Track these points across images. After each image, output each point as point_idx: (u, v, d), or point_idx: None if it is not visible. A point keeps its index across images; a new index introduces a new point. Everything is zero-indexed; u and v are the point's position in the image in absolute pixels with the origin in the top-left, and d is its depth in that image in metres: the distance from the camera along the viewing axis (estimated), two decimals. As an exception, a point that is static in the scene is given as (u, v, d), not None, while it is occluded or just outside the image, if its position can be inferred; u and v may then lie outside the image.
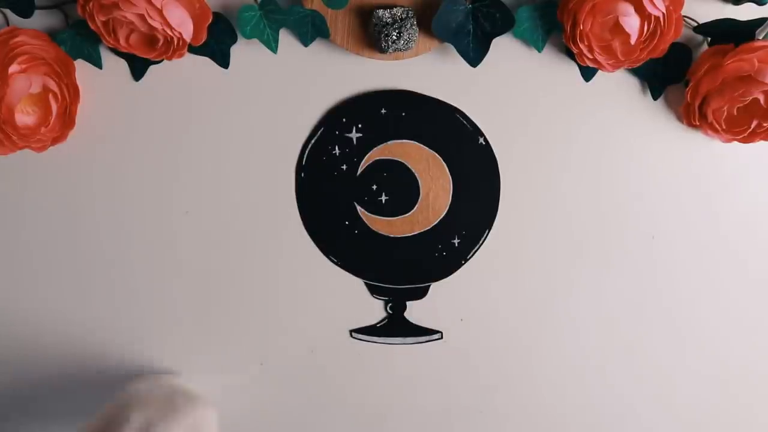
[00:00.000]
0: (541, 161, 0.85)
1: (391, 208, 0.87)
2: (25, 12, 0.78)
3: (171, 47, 0.75)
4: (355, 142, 0.85)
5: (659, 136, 0.84)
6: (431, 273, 0.90)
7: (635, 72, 0.82)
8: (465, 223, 0.87)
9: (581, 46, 0.75)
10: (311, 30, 0.79)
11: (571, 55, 0.79)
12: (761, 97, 0.75)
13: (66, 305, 0.92)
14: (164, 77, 0.83)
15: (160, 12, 0.72)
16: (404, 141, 0.85)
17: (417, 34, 0.78)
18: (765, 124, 0.77)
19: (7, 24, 0.80)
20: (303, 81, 0.83)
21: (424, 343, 0.92)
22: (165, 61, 0.80)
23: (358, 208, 0.87)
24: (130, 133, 0.85)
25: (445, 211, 0.87)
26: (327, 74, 0.83)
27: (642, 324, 0.91)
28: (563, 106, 0.83)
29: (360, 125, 0.84)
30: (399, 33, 0.77)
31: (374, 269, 0.90)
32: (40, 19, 0.80)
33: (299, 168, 0.86)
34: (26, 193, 0.87)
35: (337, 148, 0.85)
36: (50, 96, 0.78)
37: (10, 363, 0.95)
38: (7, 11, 0.79)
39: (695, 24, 0.78)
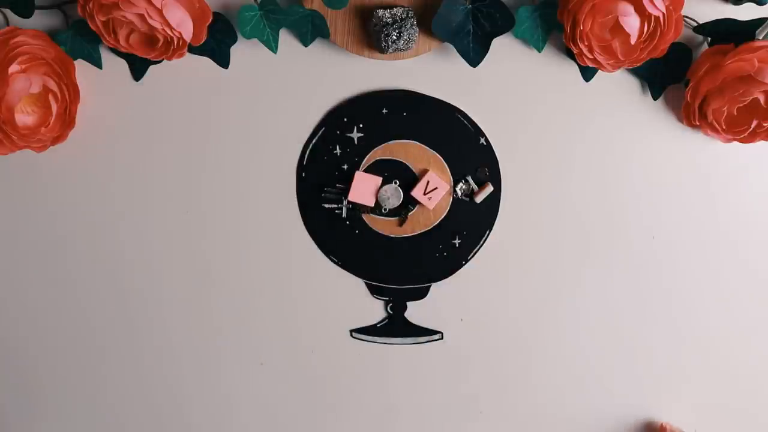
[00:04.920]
0: (541, 161, 0.85)
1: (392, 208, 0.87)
2: (25, 12, 0.78)
3: (171, 47, 0.75)
4: (356, 141, 0.85)
5: (659, 136, 0.84)
6: (431, 273, 0.90)
7: (635, 72, 0.82)
8: (465, 224, 0.87)
9: (581, 46, 0.75)
10: (311, 30, 0.79)
11: (571, 55, 0.79)
12: (761, 97, 0.76)
13: (65, 304, 0.92)
14: (164, 77, 0.83)
15: (160, 12, 0.72)
16: (405, 141, 0.85)
17: (417, 34, 0.78)
18: (765, 124, 0.77)
19: (7, 24, 0.80)
20: (303, 81, 0.83)
21: (424, 343, 0.92)
22: (165, 61, 0.80)
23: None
24: (130, 133, 0.85)
25: (446, 212, 0.87)
26: (327, 74, 0.83)
27: (643, 324, 0.91)
28: (563, 106, 0.83)
29: (361, 125, 0.84)
30: (399, 33, 0.77)
31: (374, 269, 0.90)
32: (40, 19, 0.80)
33: (300, 168, 0.86)
34: (26, 193, 0.87)
35: (338, 147, 0.85)
36: (50, 96, 0.78)
37: (9, 362, 0.94)
38: (7, 11, 0.79)
39: (695, 24, 0.78)
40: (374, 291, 0.91)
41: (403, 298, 0.91)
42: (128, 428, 0.97)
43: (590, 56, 0.76)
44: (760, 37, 0.77)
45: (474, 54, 0.79)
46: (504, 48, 0.81)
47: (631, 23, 0.73)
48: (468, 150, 0.85)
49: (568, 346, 0.92)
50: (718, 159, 0.85)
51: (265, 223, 0.88)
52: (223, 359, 0.94)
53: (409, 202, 0.86)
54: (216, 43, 0.80)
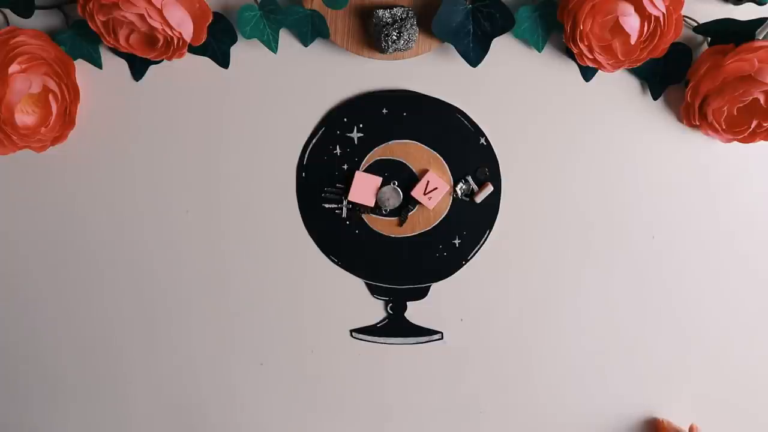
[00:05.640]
0: (541, 161, 0.86)
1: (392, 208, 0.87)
2: (25, 12, 0.78)
3: (171, 47, 0.75)
4: (356, 141, 0.85)
5: (659, 136, 0.84)
6: (431, 273, 0.90)
7: (635, 72, 0.82)
8: (465, 224, 0.87)
9: (581, 46, 0.75)
10: (311, 30, 0.79)
11: (571, 55, 0.79)
12: (761, 97, 0.76)
13: (66, 304, 0.92)
14: (164, 77, 0.83)
15: (160, 12, 0.72)
16: (405, 141, 0.85)
17: (417, 34, 0.78)
18: (765, 124, 0.77)
19: (7, 24, 0.80)
20: (303, 81, 0.83)
21: (424, 343, 0.92)
22: (165, 61, 0.80)
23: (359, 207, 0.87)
24: (130, 133, 0.85)
25: (446, 212, 0.87)
26: (327, 74, 0.83)
27: (643, 323, 0.91)
28: (563, 106, 0.83)
29: (361, 125, 0.84)
30: (399, 33, 0.77)
31: (374, 269, 0.90)
32: (40, 19, 0.80)
33: (300, 168, 0.86)
34: (26, 193, 0.87)
35: (338, 147, 0.85)
36: (50, 96, 0.78)
37: (9, 361, 0.95)
38: (7, 11, 0.79)
39: (695, 24, 0.78)
40: (374, 291, 0.91)
41: (403, 298, 0.91)
42: (129, 426, 0.97)
43: (590, 56, 0.76)
44: (760, 37, 0.77)
45: (474, 54, 0.79)
46: (504, 48, 0.81)
47: (631, 23, 0.73)
48: (468, 150, 0.85)
49: (568, 345, 0.92)
50: (718, 159, 0.85)
51: (265, 223, 0.88)
52: (223, 359, 0.94)
53: (409, 202, 0.86)
54: (216, 43, 0.80)
